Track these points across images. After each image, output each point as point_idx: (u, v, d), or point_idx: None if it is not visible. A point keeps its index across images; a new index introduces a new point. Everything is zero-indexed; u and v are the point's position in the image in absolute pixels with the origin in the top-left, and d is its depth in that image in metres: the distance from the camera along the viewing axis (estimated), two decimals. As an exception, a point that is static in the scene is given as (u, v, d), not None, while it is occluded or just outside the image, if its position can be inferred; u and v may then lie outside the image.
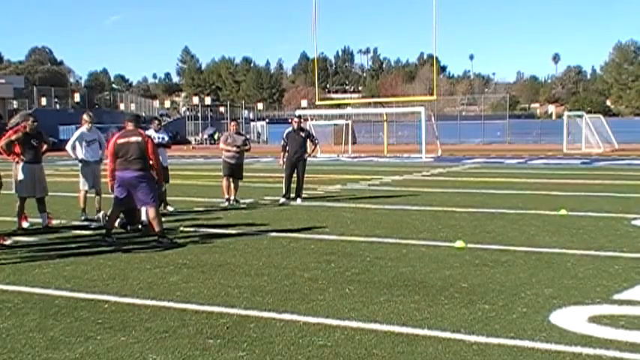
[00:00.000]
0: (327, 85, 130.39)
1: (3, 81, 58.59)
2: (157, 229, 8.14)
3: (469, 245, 7.75)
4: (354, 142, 41.63)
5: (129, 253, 7.64)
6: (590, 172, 20.39)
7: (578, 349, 4.20)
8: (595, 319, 4.84)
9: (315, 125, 38.70)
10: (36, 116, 9.87)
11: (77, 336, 4.59)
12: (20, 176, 9.31)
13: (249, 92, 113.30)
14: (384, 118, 38.90)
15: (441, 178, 18.60)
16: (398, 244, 7.98)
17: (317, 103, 45.91)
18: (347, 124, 40.75)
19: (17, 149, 9.28)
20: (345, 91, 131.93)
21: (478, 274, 6.32)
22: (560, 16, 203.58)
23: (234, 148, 12.28)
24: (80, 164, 10.41)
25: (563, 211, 10.49)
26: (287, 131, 13.01)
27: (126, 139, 8.22)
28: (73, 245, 8.25)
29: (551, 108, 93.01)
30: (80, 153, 10.31)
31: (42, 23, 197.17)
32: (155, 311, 5.19)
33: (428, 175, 19.55)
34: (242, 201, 12.41)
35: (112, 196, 8.37)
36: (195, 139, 62.42)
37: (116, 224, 9.29)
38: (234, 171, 12.33)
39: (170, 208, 11.35)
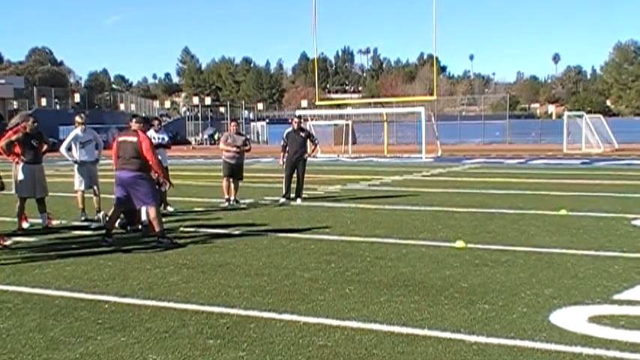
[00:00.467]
0: (327, 86, 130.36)
1: (3, 81, 58.55)
2: (157, 229, 8.14)
3: (469, 245, 7.75)
4: (354, 143, 41.63)
5: (129, 253, 7.64)
6: (590, 172, 20.39)
7: (578, 349, 4.20)
8: (595, 319, 4.84)
9: (315, 125, 38.70)
10: (36, 116, 9.88)
11: (77, 336, 4.59)
12: (20, 176, 9.31)
13: (249, 92, 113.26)
14: (384, 118, 38.90)
15: (441, 178, 18.60)
16: (398, 244, 7.99)
17: (317, 103, 45.87)
18: (347, 125, 40.76)
19: (17, 149, 9.29)
20: (345, 92, 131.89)
21: (478, 274, 6.32)
22: (560, 16, 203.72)
23: (235, 149, 12.28)
24: (76, 165, 10.41)
25: (563, 211, 10.49)
26: (287, 131, 13.01)
27: (124, 138, 8.26)
28: (73, 245, 8.25)
29: (551, 108, 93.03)
30: (75, 154, 10.31)
31: (42, 23, 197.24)
32: (155, 311, 5.19)
33: (428, 176, 19.56)
34: (242, 201, 12.42)
35: (112, 195, 8.37)
36: (195, 140, 62.42)
37: (116, 224, 9.30)
38: (235, 171, 12.34)
39: (170, 209, 11.36)
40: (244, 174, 12.86)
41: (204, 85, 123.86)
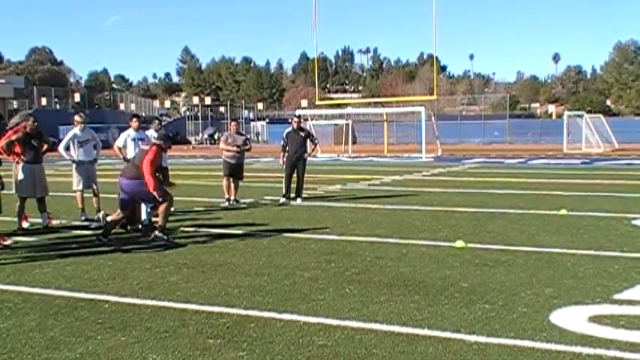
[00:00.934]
0: (327, 85, 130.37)
1: (3, 81, 58.53)
2: (160, 222, 8.15)
3: (469, 245, 7.75)
4: (354, 142, 41.60)
5: (129, 253, 7.64)
6: (590, 172, 20.38)
7: (578, 349, 4.20)
8: (595, 319, 4.84)
9: (315, 125, 38.67)
10: (36, 116, 9.87)
11: (77, 336, 4.59)
12: (20, 176, 9.31)
13: (249, 92, 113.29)
14: (384, 118, 38.89)
15: (441, 178, 18.60)
16: (398, 244, 7.98)
17: (317, 103, 45.87)
18: (347, 124, 40.74)
19: (17, 149, 9.28)
20: (345, 91, 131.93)
21: (478, 274, 6.32)
22: (560, 16, 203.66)
23: (235, 148, 12.29)
24: (74, 164, 10.40)
25: (563, 211, 10.49)
26: (287, 131, 13.01)
27: (142, 147, 8.45)
28: (73, 245, 8.25)
29: (552, 108, 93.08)
30: (74, 153, 10.31)
31: (42, 23, 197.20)
32: (155, 311, 5.19)
33: (428, 175, 19.55)
34: (242, 201, 12.42)
35: (112, 195, 8.37)
36: (196, 139, 62.37)
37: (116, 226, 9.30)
38: (235, 171, 12.34)
39: (170, 208, 11.33)
40: (244, 174, 12.86)
41: (204, 84, 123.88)
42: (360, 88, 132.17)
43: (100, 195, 10.52)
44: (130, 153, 11.05)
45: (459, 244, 7.76)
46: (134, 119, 11.39)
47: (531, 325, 4.71)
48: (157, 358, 4.15)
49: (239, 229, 9.24)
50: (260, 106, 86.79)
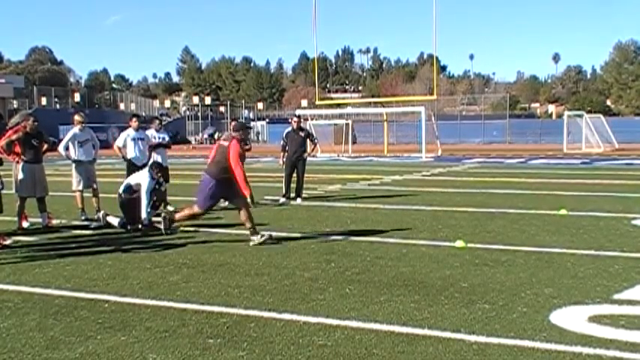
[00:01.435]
0: (327, 85, 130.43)
1: (3, 81, 58.48)
2: (175, 216, 8.68)
3: (469, 245, 7.75)
4: (354, 142, 41.57)
5: (129, 253, 7.64)
6: (590, 171, 20.37)
7: (578, 349, 4.20)
8: (595, 319, 4.84)
9: (315, 125, 38.64)
10: (36, 116, 9.87)
11: (77, 336, 4.59)
12: (20, 176, 9.31)
13: (249, 92, 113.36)
14: (384, 118, 38.86)
15: (441, 177, 18.59)
16: (398, 244, 7.98)
17: (317, 102, 45.85)
18: (347, 124, 40.71)
19: (17, 149, 9.28)
20: (345, 91, 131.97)
21: (478, 274, 6.32)
22: (560, 16, 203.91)
23: (235, 148, 12.27)
24: (73, 164, 10.41)
25: (563, 211, 10.49)
26: (286, 131, 13.01)
27: (219, 142, 8.59)
28: (73, 245, 8.25)
29: (551, 108, 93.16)
30: (73, 153, 10.31)
31: (42, 23, 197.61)
32: (155, 311, 5.19)
33: (428, 175, 19.54)
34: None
35: (112, 195, 8.37)
36: (196, 139, 62.34)
37: (116, 224, 9.31)
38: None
39: (170, 208, 11.33)
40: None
41: (204, 84, 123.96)
42: (360, 88, 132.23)
43: (100, 195, 10.53)
44: (130, 153, 11.07)
45: (459, 244, 7.76)
46: (134, 119, 11.40)
47: (531, 325, 4.71)
48: (157, 358, 4.15)
49: (239, 229, 9.23)
50: (260, 106, 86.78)
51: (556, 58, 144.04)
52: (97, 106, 72.49)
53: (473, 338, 4.44)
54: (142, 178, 9.28)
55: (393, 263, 6.86)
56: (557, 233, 8.63)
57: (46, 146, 9.68)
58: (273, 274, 6.41)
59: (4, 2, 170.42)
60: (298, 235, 8.70)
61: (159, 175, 9.40)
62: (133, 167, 10.67)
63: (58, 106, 61.61)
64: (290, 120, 13.68)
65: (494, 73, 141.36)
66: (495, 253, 7.31)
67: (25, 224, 9.52)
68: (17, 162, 9.34)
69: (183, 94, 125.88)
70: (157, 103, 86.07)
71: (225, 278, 6.27)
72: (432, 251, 7.49)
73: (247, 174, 8.58)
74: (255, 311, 5.13)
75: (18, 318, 5.05)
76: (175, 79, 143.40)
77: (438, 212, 10.84)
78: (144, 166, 10.20)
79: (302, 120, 14.53)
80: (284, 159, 12.79)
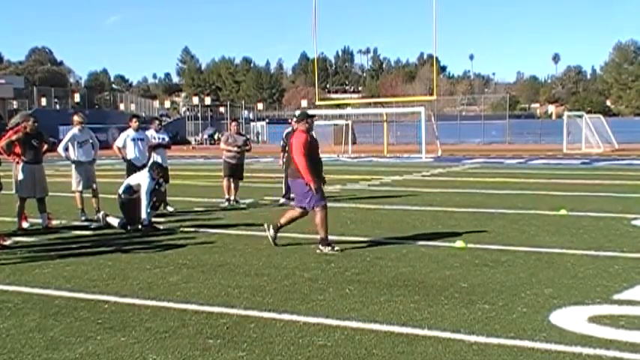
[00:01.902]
0: (327, 85, 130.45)
1: (3, 81, 58.58)
2: (321, 234, 7.61)
3: (469, 245, 7.75)
4: (354, 143, 41.59)
5: (129, 253, 7.64)
6: (590, 172, 20.38)
7: (578, 349, 4.20)
8: (595, 319, 4.84)
9: (314, 125, 38.62)
10: (36, 116, 9.87)
11: (77, 336, 4.59)
12: (20, 176, 9.31)
13: (249, 92, 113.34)
14: (384, 118, 38.88)
15: (441, 178, 18.60)
16: (398, 244, 7.98)
17: (317, 103, 45.88)
18: (347, 124, 40.72)
19: (17, 149, 9.28)
20: (345, 91, 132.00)
21: (478, 274, 6.32)
22: (560, 16, 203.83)
23: (235, 149, 12.30)
24: (73, 165, 10.41)
25: (563, 211, 10.49)
26: (287, 131, 12.99)
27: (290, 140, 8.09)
28: (73, 245, 8.24)
29: (551, 108, 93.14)
30: (73, 154, 10.31)
31: (42, 23, 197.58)
32: (155, 311, 5.19)
33: (428, 175, 19.55)
34: (242, 201, 12.41)
35: (111, 196, 8.37)
36: (195, 140, 62.37)
37: (116, 224, 9.31)
38: (235, 171, 12.35)
39: (170, 209, 11.35)
40: (244, 174, 12.87)
41: (204, 85, 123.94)
42: (360, 88, 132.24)
43: (100, 195, 10.53)
44: (130, 153, 11.07)
45: (459, 244, 7.76)
46: (134, 119, 11.40)
47: (531, 326, 4.71)
48: (157, 358, 4.15)
49: (239, 230, 9.24)
50: (260, 106, 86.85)
51: (556, 58, 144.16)
52: (96, 106, 72.52)
53: (473, 338, 4.44)
54: (141, 179, 9.28)
55: (393, 263, 6.86)
56: (557, 233, 8.63)
57: (45, 147, 9.68)
58: (273, 275, 6.41)
59: (4, 2, 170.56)
60: (298, 235, 8.69)
61: (159, 175, 9.40)
62: (132, 168, 10.66)
63: (57, 106, 61.68)
64: (290, 120, 13.68)
65: (494, 74, 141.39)
66: (495, 254, 7.30)
67: (25, 225, 9.52)
68: (17, 162, 9.34)
69: (183, 94, 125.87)
70: (156, 103, 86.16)
71: (225, 279, 6.27)
72: (431, 251, 7.49)
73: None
74: (255, 312, 5.13)
75: (18, 318, 5.05)
76: (175, 79, 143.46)
77: (437, 212, 10.84)
78: (144, 166, 10.21)
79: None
80: (284, 159, 12.77)
